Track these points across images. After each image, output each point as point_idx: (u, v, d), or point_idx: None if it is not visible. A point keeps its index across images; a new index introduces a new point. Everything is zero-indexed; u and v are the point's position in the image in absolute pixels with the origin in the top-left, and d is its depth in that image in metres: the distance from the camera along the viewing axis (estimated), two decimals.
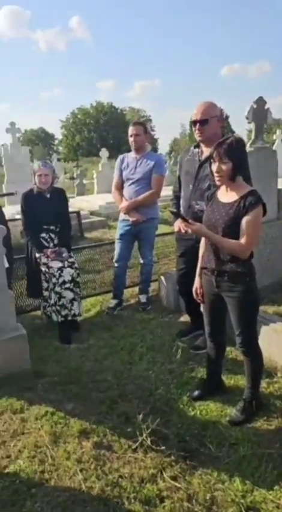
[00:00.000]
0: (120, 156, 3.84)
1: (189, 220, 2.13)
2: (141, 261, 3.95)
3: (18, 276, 3.79)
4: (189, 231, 2.14)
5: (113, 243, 4.41)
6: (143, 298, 4.01)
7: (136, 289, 4.32)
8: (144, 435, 2.12)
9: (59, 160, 23.29)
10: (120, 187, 3.77)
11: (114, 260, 3.88)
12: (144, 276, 4.02)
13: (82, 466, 1.92)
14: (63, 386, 2.62)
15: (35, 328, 3.54)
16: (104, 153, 12.48)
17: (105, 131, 47.21)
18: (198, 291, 2.41)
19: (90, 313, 3.89)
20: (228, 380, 2.71)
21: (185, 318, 3.74)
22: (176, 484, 1.83)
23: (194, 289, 2.44)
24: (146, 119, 56.13)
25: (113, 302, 3.89)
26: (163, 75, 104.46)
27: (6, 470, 1.86)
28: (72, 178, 18.18)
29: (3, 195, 6.54)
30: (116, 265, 3.86)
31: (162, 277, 3.99)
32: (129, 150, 3.81)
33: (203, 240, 2.34)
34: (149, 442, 2.09)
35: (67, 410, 2.31)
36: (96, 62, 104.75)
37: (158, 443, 2.12)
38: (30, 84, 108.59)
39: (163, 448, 2.08)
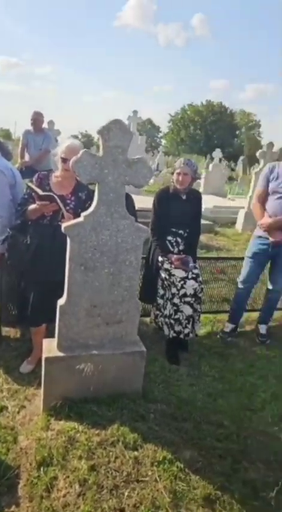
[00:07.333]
0: (270, 165, 3.31)
1: None
2: (270, 287, 3.40)
3: None
4: None
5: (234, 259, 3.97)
6: (262, 329, 3.48)
7: (252, 314, 3.82)
8: None
9: (166, 154, 23.09)
10: (263, 200, 3.25)
11: (239, 280, 3.39)
12: (269, 303, 3.48)
13: None
14: (177, 423, 2.25)
15: (141, 337, 3.24)
16: (217, 153, 11.89)
17: (211, 131, 46.27)
18: None
19: (199, 333, 3.48)
20: None
21: None
22: None
23: None
24: (254, 124, 53.72)
25: (230, 327, 3.43)
26: (278, 80, 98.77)
27: None
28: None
29: None
30: (240, 286, 3.37)
31: None
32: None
33: None
34: None
35: (186, 460, 1.93)
36: (212, 61, 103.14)
37: None
38: (144, 75, 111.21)
39: None
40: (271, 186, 3.18)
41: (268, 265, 3.39)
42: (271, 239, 3.13)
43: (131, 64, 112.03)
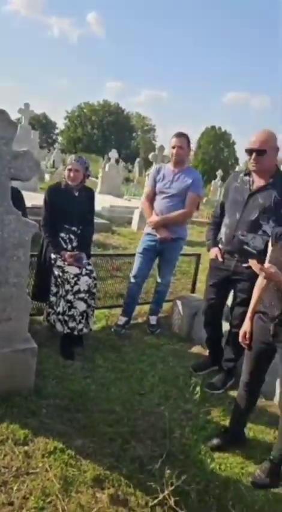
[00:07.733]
0: (157, 166, 3.57)
1: (267, 264, 1.89)
2: (159, 280, 3.67)
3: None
4: (268, 273, 1.87)
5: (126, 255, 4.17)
6: (152, 320, 3.73)
7: (144, 307, 4.05)
8: (166, 492, 1.84)
9: (63, 152, 22.53)
10: (151, 199, 3.49)
11: (131, 275, 3.58)
12: (158, 296, 3.74)
13: None
14: (69, 414, 2.30)
15: (34, 335, 3.20)
16: (113, 154, 12.15)
17: (108, 131, 46.99)
18: (247, 335, 2.16)
19: (93, 327, 3.57)
20: (249, 432, 2.48)
21: (197, 349, 3.50)
22: None
23: (242, 333, 2.19)
24: (150, 128, 56.34)
25: (123, 320, 3.59)
26: (170, 89, 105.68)
27: None
28: None
29: None
30: (132, 280, 3.56)
31: (178, 302, 3.73)
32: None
33: (261, 280, 2.09)
34: (172, 502, 1.80)
35: (77, 447, 2.00)
36: (106, 60, 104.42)
37: (179, 503, 1.84)
38: (38, 67, 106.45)
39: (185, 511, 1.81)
40: (158, 186, 3.43)
41: (157, 260, 3.65)
42: (158, 236, 3.38)
43: (25, 54, 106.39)
